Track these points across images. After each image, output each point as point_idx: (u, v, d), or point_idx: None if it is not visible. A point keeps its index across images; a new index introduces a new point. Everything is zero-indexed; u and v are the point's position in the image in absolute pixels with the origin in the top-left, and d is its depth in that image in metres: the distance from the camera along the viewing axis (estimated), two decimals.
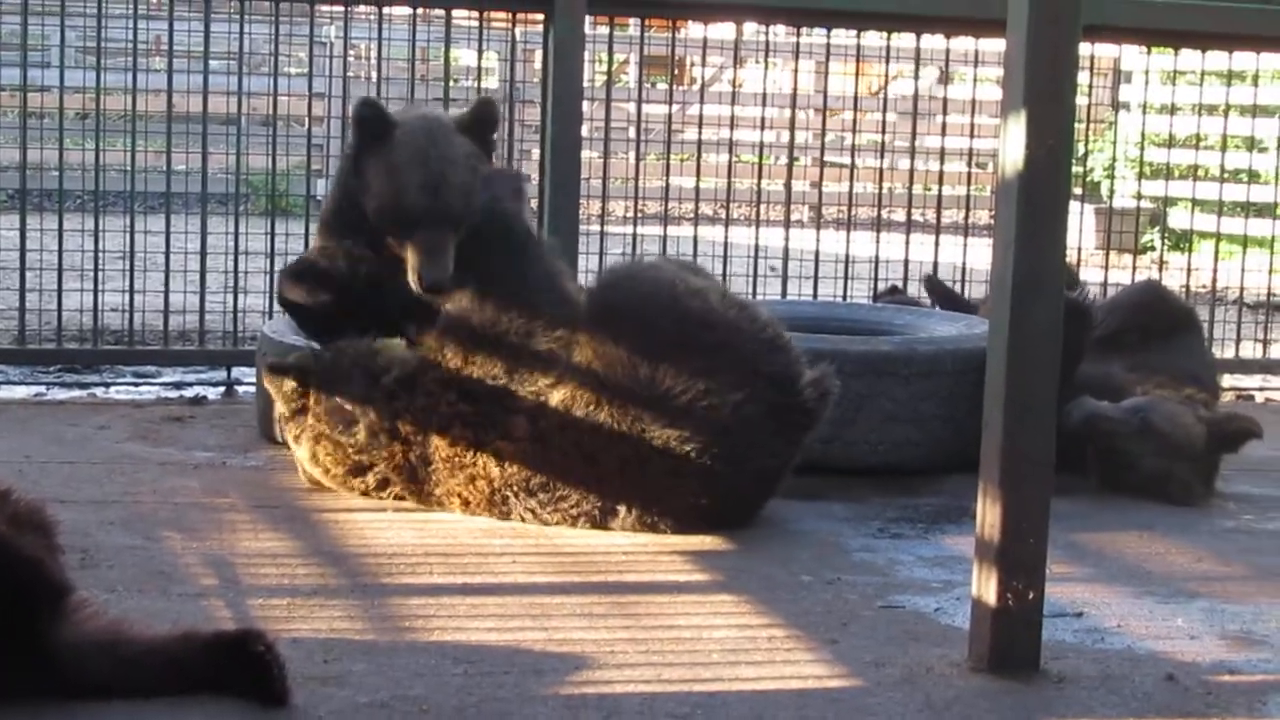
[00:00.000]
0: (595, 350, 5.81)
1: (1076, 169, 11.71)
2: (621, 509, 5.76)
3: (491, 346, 5.88)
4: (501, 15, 9.31)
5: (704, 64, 16.01)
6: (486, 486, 5.82)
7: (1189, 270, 9.81)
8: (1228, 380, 8.92)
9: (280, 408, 6.19)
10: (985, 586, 4.47)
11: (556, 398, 5.78)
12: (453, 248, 6.05)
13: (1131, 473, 6.64)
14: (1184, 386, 6.94)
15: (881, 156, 10.08)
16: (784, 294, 9.02)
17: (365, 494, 6.04)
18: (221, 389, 8.26)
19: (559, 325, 5.90)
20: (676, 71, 15.66)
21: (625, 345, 5.78)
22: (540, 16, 8.39)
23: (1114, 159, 14.33)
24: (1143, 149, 11.33)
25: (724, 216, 9.12)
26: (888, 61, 9.77)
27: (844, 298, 9.09)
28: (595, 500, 5.77)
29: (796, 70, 9.82)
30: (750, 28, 9.66)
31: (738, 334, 5.92)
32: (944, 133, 10.14)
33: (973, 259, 9.35)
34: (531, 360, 5.86)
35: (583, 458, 5.75)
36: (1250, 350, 9.82)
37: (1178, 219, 13.68)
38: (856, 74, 9.50)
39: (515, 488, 5.79)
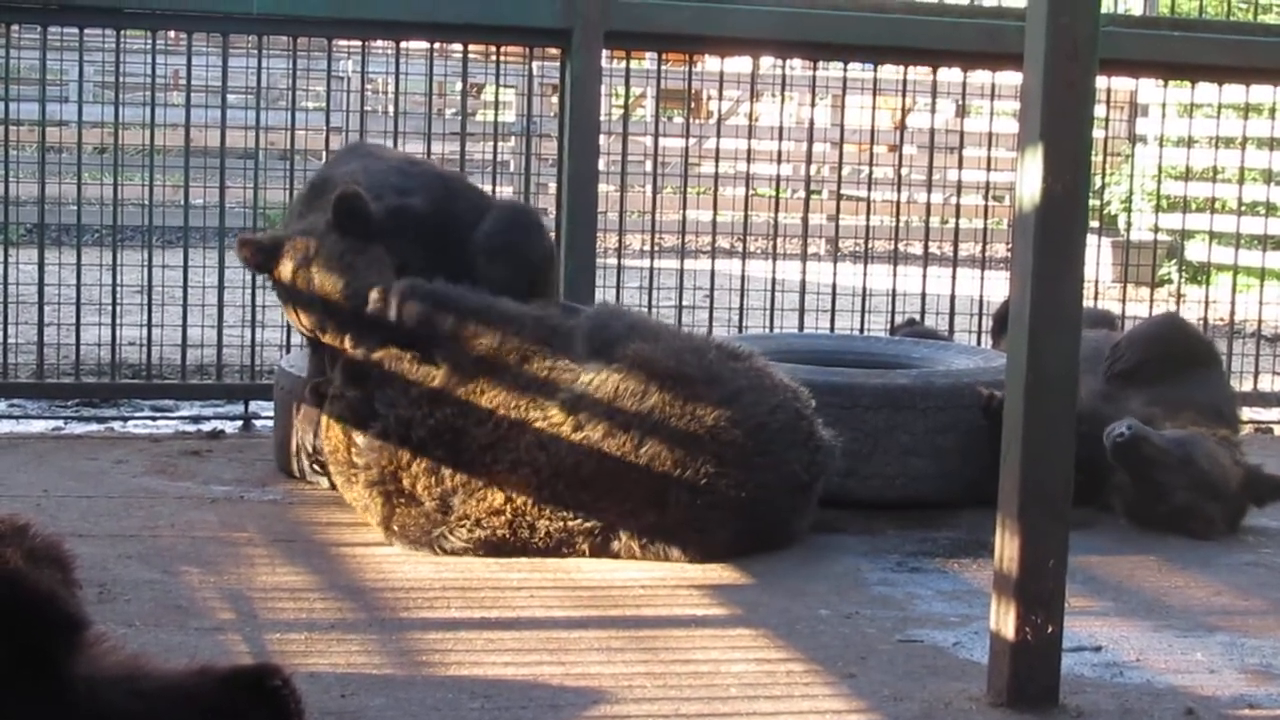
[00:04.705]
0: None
1: (1093, 202, 11.71)
2: (669, 502, 5.84)
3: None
4: (518, 50, 9.33)
5: (721, 98, 16.03)
6: (533, 479, 5.86)
7: (1207, 303, 9.80)
8: (1246, 413, 8.90)
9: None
10: (1003, 620, 4.46)
11: (600, 390, 5.93)
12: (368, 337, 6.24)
13: (1162, 503, 6.63)
14: (1214, 424, 6.93)
15: (898, 190, 10.07)
16: (801, 327, 9.02)
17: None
18: (239, 423, 8.27)
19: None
20: (693, 105, 15.68)
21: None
22: (557, 51, 8.42)
23: (1131, 192, 14.32)
24: (1160, 182, 11.33)
25: (741, 250, 9.12)
26: (904, 95, 9.77)
27: (861, 331, 9.09)
28: (650, 511, 5.84)
29: (813, 104, 9.83)
30: (767, 61, 9.68)
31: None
32: (961, 166, 10.14)
33: (990, 292, 9.35)
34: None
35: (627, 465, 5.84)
36: (1269, 383, 9.80)
37: (1195, 252, 13.66)
38: (873, 108, 9.50)
39: (561, 491, 5.85)
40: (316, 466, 6.70)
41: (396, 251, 6.39)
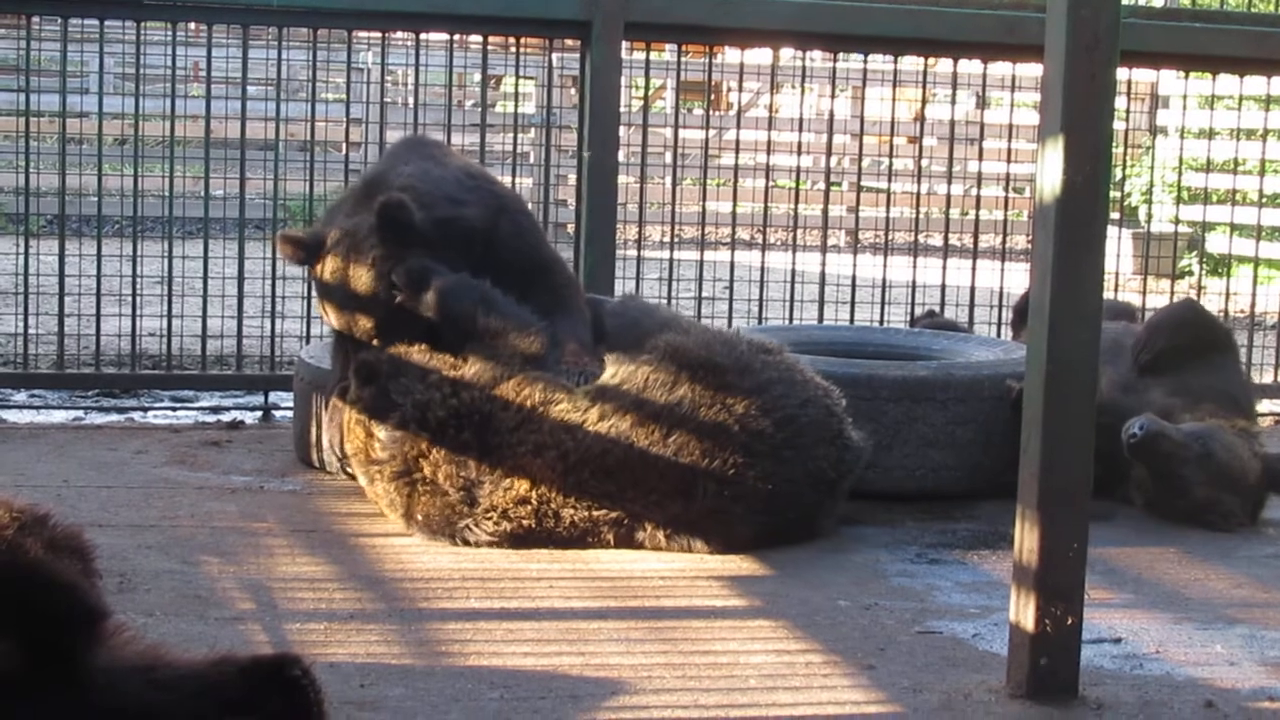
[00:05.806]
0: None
1: (1114, 194, 11.68)
2: (699, 493, 5.84)
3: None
4: (537, 41, 9.33)
5: (740, 89, 15.99)
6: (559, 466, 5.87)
7: (1227, 295, 9.80)
8: (1265, 405, 8.88)
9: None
10: (1023, 612, 4.46)
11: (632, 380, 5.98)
12: (399, 338, 6.25)
13: (1182, 497, 6.62)
14: (1232, 414, 6.92)
15: (918, 181, 10.06)
16: (821, 318, 9.02)
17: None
18: (259, 413, 8.29)
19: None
20: (713, 97, 15.66)
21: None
22: (576, 42, 8.42)
23: (1151, 184, 14.27)
24: (1180, 174, 11.31)
25: (761, 241, 9.12)
26: (924, 87, 9.76)
27: (881, 322, 9.08)
28: (677, 501, 5.84)
29: (833, 95, 9.82)
30: (787, 53, 9.67)
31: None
32: (981, 158, 10.13)
33: (1010, 284, 9.34)
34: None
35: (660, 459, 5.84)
36: None
37: (1216, 243, 13.64)
38: (893, 99, 9.49)
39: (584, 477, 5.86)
40: (348, 470, 6.70)
41: (440, 262, 6.37)
